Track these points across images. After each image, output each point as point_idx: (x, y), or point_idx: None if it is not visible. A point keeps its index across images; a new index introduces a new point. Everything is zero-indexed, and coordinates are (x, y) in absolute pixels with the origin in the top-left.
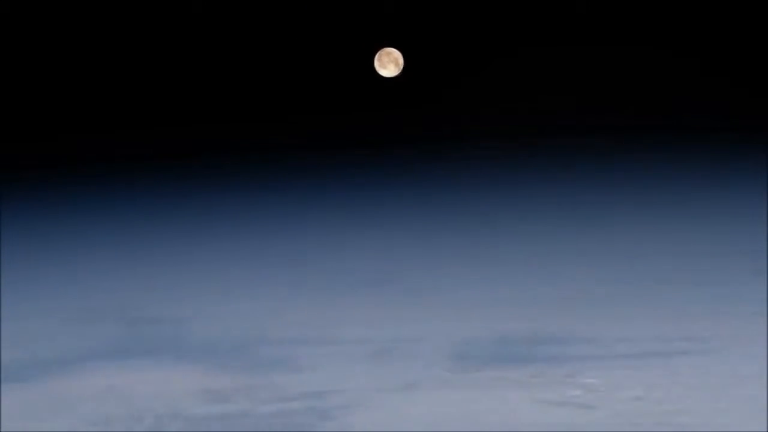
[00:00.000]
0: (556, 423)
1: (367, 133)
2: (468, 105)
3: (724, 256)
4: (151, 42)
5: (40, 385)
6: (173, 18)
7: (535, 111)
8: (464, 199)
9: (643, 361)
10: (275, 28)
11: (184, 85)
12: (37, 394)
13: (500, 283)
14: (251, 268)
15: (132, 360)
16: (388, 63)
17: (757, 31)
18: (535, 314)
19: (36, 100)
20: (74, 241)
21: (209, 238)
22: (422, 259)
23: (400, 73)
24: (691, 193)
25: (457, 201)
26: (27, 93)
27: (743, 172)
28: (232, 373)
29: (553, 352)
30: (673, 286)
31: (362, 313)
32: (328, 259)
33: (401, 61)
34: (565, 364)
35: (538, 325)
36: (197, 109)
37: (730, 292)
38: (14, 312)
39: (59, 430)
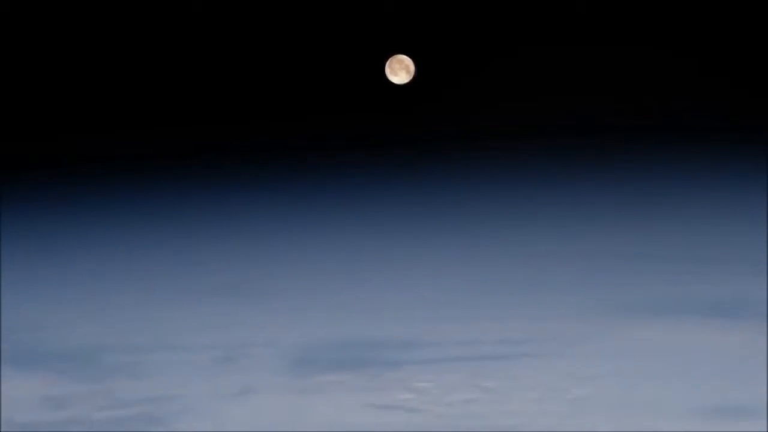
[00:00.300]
0: (382, 424)
1: (366, 134)
2: (467, 105)
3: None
4: (151, 42)
5: None
6: (173, 18)
7: (535, 111)
8: (459, 199)
9: (483, 363)
10: (276, 29)
11: (185, 85)
12: None
13: (357, 287)
14: (155, 274)
15: None
16: (400, 70)
17: (757, 31)
18: (384, 318)
19: (36, 100)
20: (72, 242)
21: (205, 239)
22: (291, 264)
23: (412, 80)
24: (691, 193)
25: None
26: (27, 93)
27: (743, 172)
28: (73, 380)
29: (394, 356)
30: (538, 288)
31: (213, 319)
32: (188, 265)
33: (412, 68)
34: (403, 368)
35: (385, 329)
36: (197, 109)
37: (599, 294)
38: None
39: None
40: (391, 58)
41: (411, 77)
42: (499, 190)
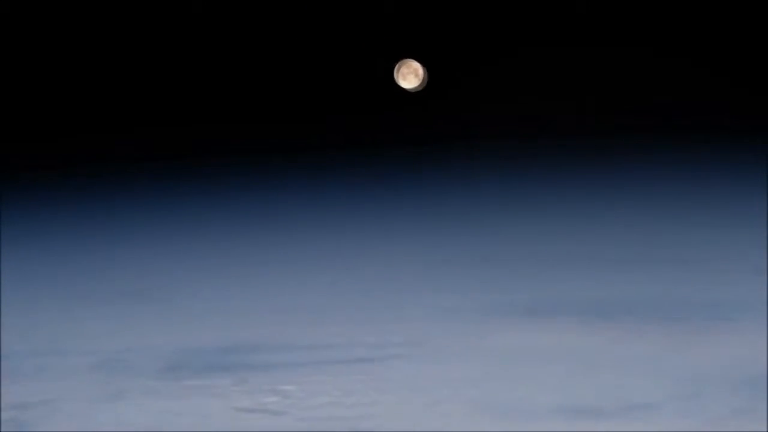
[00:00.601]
0: (246, 428)
1: (367, 134)
2: (467, 105)
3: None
4: (151, 42)
5: None
6: (174, 18)
7: (535, 111)
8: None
9: (352, 366)
10: (277, 30)
11: (185, 85)
12: None
13: (242, 291)
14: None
15: None
16: (408, 74)
17: (757, 31)
18: (262, 322)
19: (36, 100)
20: (71, 242)
21: (202, 239)
22: (189, 270)
23: (422, 85)
24: (691, 193)
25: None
26: (27, 93)
27: (743, 172)
28: None
29: (264, 359)
30: (412, 290)
31: (98, 325)
32: (96, 271)
33: (422, 72)
34: (272, 371)
35: (261, 333)
36: (197, 109)
37: (475, 295)
38: None
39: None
40: (399, 63)
41: (420, 82)
42: (499, 189)
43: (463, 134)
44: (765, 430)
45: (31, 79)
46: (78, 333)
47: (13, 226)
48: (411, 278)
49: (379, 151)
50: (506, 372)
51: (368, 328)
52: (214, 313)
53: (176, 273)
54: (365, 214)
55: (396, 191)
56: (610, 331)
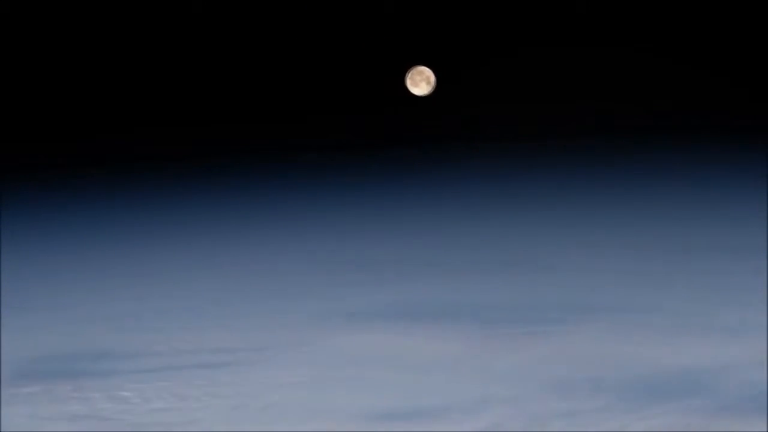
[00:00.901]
0: None
1: (368, 134)
2: (467, 105)
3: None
4: (152, 42)
5: None
6: (174, 18)
7: (535, 111)
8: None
9: (192, 372)
10: (278, 31)
11: (186, 85)
12: None
13: (99, 299)
14: None
15: None
16: (420, 81)
17: (757, 31)
18: (106, 329)
19: (36, 100)
20: (73, 242)
21: (204, 238)
22: (49, 277)
23: (432, 91)
24: (691, 193)
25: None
26: (27, 93)
27: (743, 172)
28: None
29: (109, 367)
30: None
31: None
32: None
33: (433, 79)
34: (113, 378)
35: (111, 340)
36: (197, 109)
37: (324, 303)
38: None
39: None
40: (411, 70)
41: (431, 88)
42: (499, 189)
43: (463, 134)
44: (765, 430)
45: (31, 79)
46: None
47: (13, 226)
48: (291, 284)
49: (379, 151)
50: (335, 376)
51: (215, 335)
52: (64, 321)
53: (48, 280)
54: (340, 215)
55: (395, 191)
56: (432, 334)
